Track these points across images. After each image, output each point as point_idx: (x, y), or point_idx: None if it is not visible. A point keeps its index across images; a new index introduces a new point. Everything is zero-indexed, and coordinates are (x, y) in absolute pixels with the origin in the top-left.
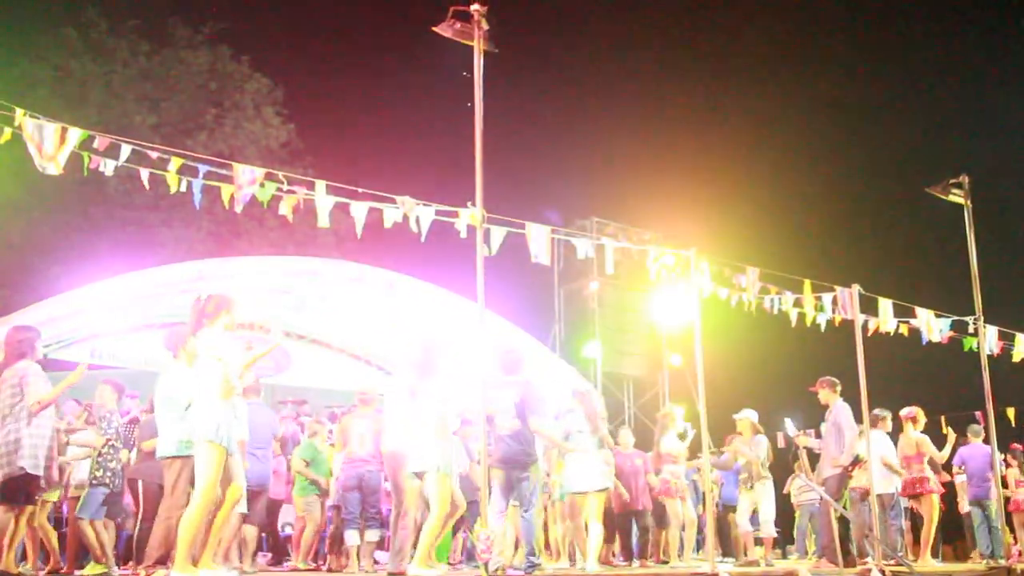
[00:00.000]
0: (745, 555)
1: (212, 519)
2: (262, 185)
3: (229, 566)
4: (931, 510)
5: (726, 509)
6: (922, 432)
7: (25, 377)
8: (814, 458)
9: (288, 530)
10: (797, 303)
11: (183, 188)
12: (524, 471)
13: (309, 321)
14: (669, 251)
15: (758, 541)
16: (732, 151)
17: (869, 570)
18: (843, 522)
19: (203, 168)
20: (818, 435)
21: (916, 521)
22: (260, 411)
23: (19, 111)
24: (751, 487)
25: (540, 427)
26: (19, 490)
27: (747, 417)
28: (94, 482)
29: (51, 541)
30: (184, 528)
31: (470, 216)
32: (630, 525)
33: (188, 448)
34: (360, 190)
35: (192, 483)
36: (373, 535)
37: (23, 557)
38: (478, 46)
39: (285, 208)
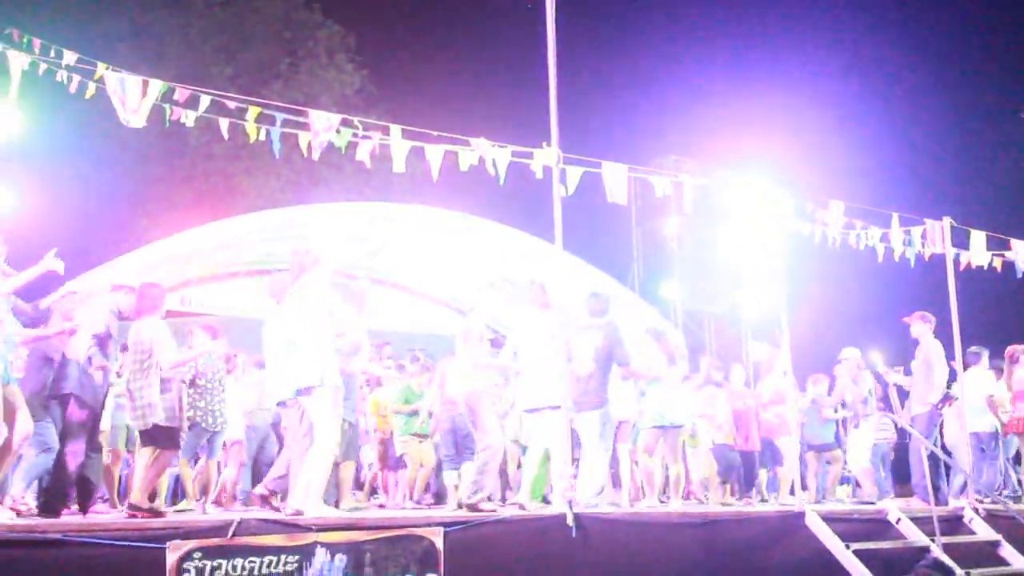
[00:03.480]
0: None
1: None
2: (338, 132)
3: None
4: None
5: (808, 449)
6: None
7: (154, 337)
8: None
9: (374, 469)
10: (884, 238)
11: (262, 137)
12: (596, 412)
13: (388, 265)
14: (751, 187)
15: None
16: (814, 82)
17: (962, 508)
18: (934, 461)
19: (280, 116)
20: (907, 372)
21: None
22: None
23: (101, 65)
24: (856, 426)
25: (629, 367)
26: (162, 437)
27: (853, 356)
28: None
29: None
30: (319, 469)
31: (546, 156)
32: (739, 464)
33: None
34: (435, 133)
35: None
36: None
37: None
38: None
39: (362, 154)
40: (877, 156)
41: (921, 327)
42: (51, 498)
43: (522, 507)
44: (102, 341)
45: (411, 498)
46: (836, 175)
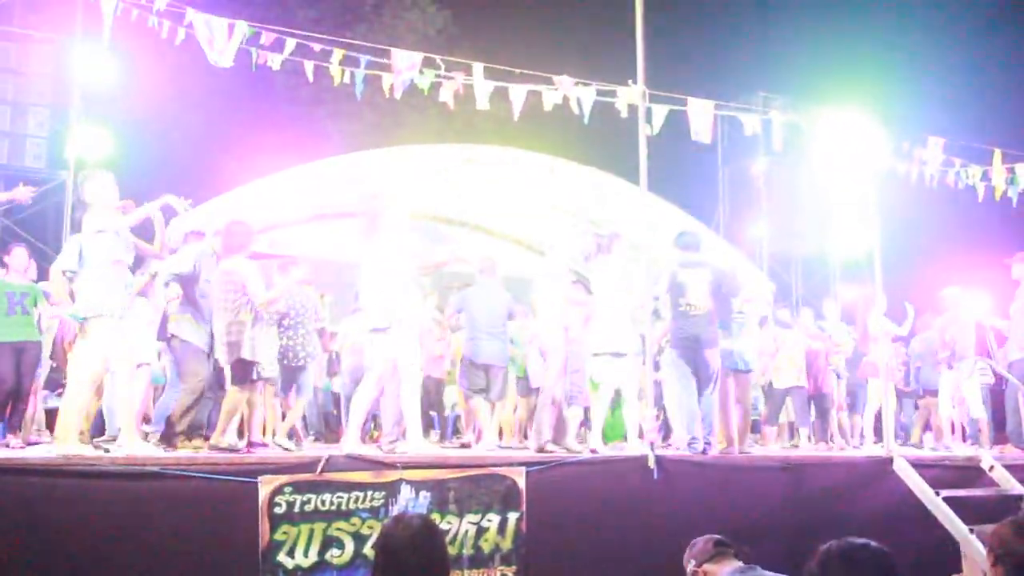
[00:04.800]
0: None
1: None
2: (421, 72)
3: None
4: None
5: (926, 393)
6: None
7: (247, 276)
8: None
9: (457, 410)
10: (985, 175)
11: (346, 80)
12: (712, 350)
13: (470, 208)
14: (843, 124)
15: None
16: (911, 15)
17: None
18: None
19: (364, 58)
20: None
21: None
22: (496, 292)
23: (189, 10)
24: (951, 367)
25: (738, 306)
26: (246, 372)
27: (953, 295)
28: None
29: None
30: (409, 406)
31: (630, 94)
32: (806, 407)
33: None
34: (518, 71)
35: None
36: (575, 412)
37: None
38: None
39: (446, 94)
40: (978, 90)
41: (1023, 268)
42: (167, 432)
43: (593, 451)
44: (184, 280)
45: (524, 436)
46: (933, 111)
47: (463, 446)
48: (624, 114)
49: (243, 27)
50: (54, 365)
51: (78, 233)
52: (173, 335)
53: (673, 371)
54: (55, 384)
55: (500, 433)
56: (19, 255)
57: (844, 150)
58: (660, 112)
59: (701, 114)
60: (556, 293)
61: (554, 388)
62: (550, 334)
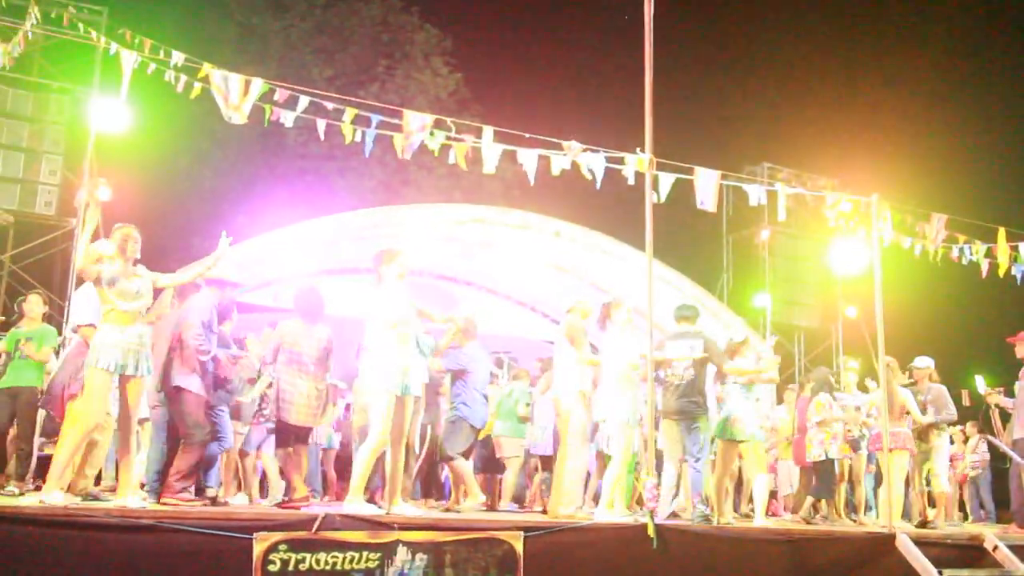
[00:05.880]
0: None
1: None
2: (432, 133)
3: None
4: None
5: None
6: None
7: (331, 341)
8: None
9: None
10: (989, 252)
11: (357, 138)
12: (695, 422)
13: (476, 268)
14: (847, 197)
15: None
16: (916, 90)
17: None
18: None
19: (375, 118)
20: (1008, 394)
21: None
22: (481, 353)
23: (206, 64)
24: (927, 440)
25: (734, 369)
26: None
27: (928, 365)
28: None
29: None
30: (359, 465)
31: (638, 162)
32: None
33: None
34: (527, 135)
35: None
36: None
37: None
38: None
39: (456, 156)
40: (984, 168)
41: None
42: (170, 486)
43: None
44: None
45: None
46: (938, 186)
47: (447, 510)
48: (631, 181)
49: (259, 84)
50: (49, 413)
51: (94, 285)
52: (180, 388)
53: (663, 440)
54: (52, 432)
55: (498, 498)
56: (30, 302)
57: (847, 223)
58: (667, 180)
59: (707, 183)
60: (573, 356)
61: (582, 455)
62: (569, 398)
